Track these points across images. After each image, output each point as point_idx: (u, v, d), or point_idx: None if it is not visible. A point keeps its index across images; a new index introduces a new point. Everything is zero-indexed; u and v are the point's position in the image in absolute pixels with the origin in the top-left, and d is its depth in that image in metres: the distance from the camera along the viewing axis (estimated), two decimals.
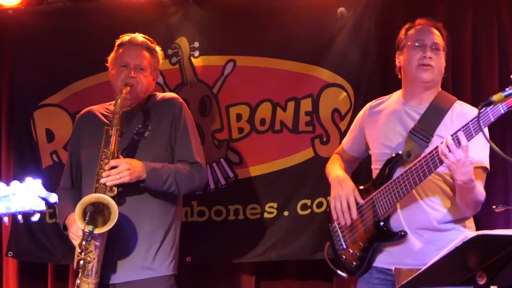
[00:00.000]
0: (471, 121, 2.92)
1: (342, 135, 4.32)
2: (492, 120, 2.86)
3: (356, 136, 3.56)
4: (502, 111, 2.85)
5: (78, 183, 3.76)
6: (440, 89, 3.38)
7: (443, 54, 3.33)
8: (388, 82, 4.27)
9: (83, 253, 3.41)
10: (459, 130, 2.94)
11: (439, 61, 3.30)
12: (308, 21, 4.48)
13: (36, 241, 4.75)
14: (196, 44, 4.64)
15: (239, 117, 4.59)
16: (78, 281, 3.48)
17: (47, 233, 4.73)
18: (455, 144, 2.91)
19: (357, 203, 3.34)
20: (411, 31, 3.38)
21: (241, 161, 4.59)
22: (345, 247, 3.42)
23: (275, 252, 4.50)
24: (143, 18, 4.62)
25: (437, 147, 3.02)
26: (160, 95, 3.81)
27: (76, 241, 3.43)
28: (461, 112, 3.28)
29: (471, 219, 3.31)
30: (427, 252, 3.17)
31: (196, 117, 4.57)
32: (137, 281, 3.56)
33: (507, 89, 2.48)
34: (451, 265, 2.51)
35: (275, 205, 4.53)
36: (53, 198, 2.40)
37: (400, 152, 3.25)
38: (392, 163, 3.26)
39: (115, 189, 3.44)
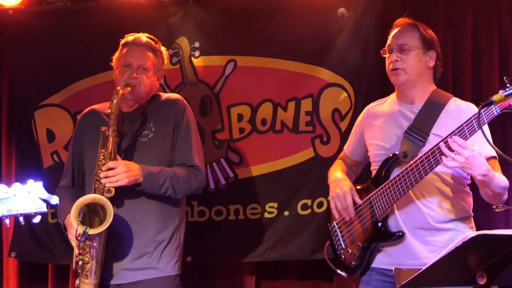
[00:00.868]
0: (465, 123, 2.92)
1: (343, 135, 4.32)
2: (486, 122, 2.86)
3: (356, 140, 3.57)
4: (495, 113, 2.85)
5: (80, 182, 3.76)
6: (435, 87, 3.37)
7: (417, 51, 3.30)
8: (388, 82, 4.24)
9: (81, 254, 3.42)
10: (453, 133, 2.94)
11: (408, 61, 3.29)
12: (308, 21, 4.49)
13: (39, 242, 4.76)
14: (197, 44, 4.65)
15: (240, 117, 4.59)
16: (77, 282, 3.49)
17: (49, 233, 4.73)
18: (457, 144, 2.92)
19: (355, 203, 3.35)
20: (389, 37, 3.39)
21: (241, 161, 4.59)
22: (344, 247, 3.43)
23: (276, 252, 4.50)
24: (143, 18, 4.61)
25: (433, 148, 3.02)
26: (164, 95, 3.80)
27: (74, 242, 3.43)
28: (456, 108, 3.28)
29: (471, 219, 3.32)
30: (426, 252, 3.18)
31: (197, 117, 4.54)
32: (143, 281, 3.56)
33: (507, 88, 2.49)
34: (451, 265, 2.51)
35: (275, 205, 4.53)
36: (55, 200, 2.41)
37: (397, 152, 3.25)
38: (388, 163, 3.27)
39: (113, 190, 3.44)
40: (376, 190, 3.28)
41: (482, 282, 2.52)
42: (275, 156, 4.55)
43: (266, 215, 4.53)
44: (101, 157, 3.49)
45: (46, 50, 4.79)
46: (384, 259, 3.31)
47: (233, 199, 4.57)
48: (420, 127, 3.25)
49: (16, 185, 2.40)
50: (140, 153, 3.60)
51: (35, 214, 2.41)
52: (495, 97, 2.46)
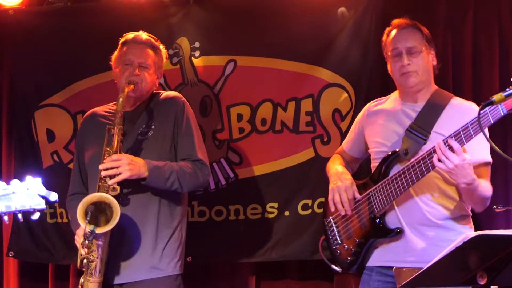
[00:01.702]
0: (470, 122, 2.92)
1: (343, 135, 4.32)
2: (492, 122, 2.86)
3: (356, 137, 3.58)
4: (502, 114, 2.85)
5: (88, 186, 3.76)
6: (436, 87, 3.38)
7: (424, 52, 3.31)
8: (388, 82, 4.24)
9: (87, 253, 3.42)
10: (455, 133, 2.95)
11: (419, 63, 3.29)
12: (308, 21, 4.49)
13: (37, 241, 4.76)
14: (197, 44, 4.65)
15: (240, 117, 4.59)
16: (82, 280, 3.49)
17: (48, 233, 4.74)
18: (448, 150, 2.92)
19: (354, 198, 3.35)
20: (388, 39, 3.38)
21: (241, 161, 4.59)
22: (340, 242, 3.43)
23: (276, 252, 4.50)
24: (144, 18, 4.62)
25: (434, 147, 3.02)
26: (163, 93, 3.80)
27: (78, 242, 3.43)
28: (458, 107, 3.29)
29: (469, 219, 3.32)
30: (424, 248, 3.18)
31: (197, 117, 4.53)
32: (144, 281, 3.56)
33: (507, 89, 2.48)
34: (451, 265, 2.51)
35: (275, 205, 4.53)
36: (53, 196, 2.40)
37: (397, 149, 3.26)
38: (388, 160, 3.28)
39: (118, 188, 3.43)
40: (375, 186, 3.28)
41: (482, 282, 2.52)
42: (275, 156, 4.55)
43: (267, 215, 4.53)
44: (106, 155, 3.49)
45: (47, 50, 4.79)
46: (382, 256, 3.31)
47: (234, 199, 4.57)
48: (422, 125, 3.26)
49: (15, 182, 2.39)
50: (139, 151, 3.60)
51: (34, 210, 2.41)
52: (495, 97, 2.46)
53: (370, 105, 3.54)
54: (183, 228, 3.72)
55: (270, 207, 4.53)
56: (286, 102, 4.54)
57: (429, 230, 3.22)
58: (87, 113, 3.87)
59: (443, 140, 2.97)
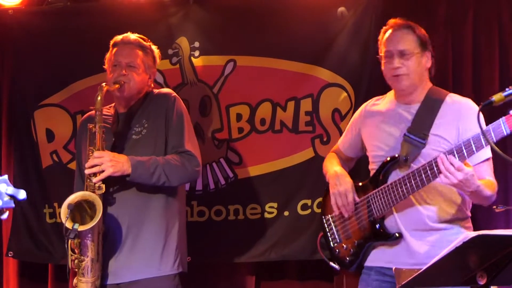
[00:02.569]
0: (472, 138, 2.91)
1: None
2: (494, 141, 2.85)
3: (352, 137, 3.56)
4: (505, 133, 2.83)
5: None
6: (431, 85, 3.36)
7: (417, 55, 3.27)
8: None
9: (75, 252, 3.44)
10: (457, 147, 2.94)
11: (410, 66, 3.26)
12: (308, 21, 4.49)
13: (36, 241, 4.76)
14: (197, 44, 4.65)
15: (239, 117, 4.59)
16: (75, 281, 3.51)
17: (47, 233, 4.74)
18: (452, 167, 2.92)
19: (354, 200, 3.35)
20: (383, 39, 3.36)
21: (241, 161, 4.59)
22: (338, 241, 3.43)
23: (275, 252, 4.50)
24: (143, 18, 4.62)
25: (436, 159, 3.01)
26: (156, 91, 3.80)
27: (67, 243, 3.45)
28: (453, 104, 3.27)
29: (469, 219, 3.31)
30: (424, 251, 3.18)
31: (196, 117, 4.57)
32: (141, 281, 3.56)
33: (507, 89, 2.48)
34: (451, 265, 2.51)
35: (275, 205, 4.53)
36: (22, 194, 2.36)
37: (397, 155, 3.24)
38: (387, 165, 3.26)
39: (103, 186, 3.45)
40: (375, 191, 3.27)
41: (482, 282, 2.52)
42: (274, 156, 4.55)
43: (266, 215, 4.53)
44: (90, 154, 3.50)
45: (46, 50, 4.79)
46: (382, 257, 3.31)
47: (233, 199, 4.57)
48: (419, 128, 3.24)
49: None
50: (134, 150, 3.60)
51: (2, 209, 2.37)
52: (494, 97, 2.45)
53: (367, 105, 3.53)
54: (181, 227, 3.72)
55: (270, 207, 4.53)
56: (285, 102, 4.54)
57: (428, 233, 3.21)
58: (83, 117, 3.89)
59: (444, 154, 2.95)
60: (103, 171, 3.43)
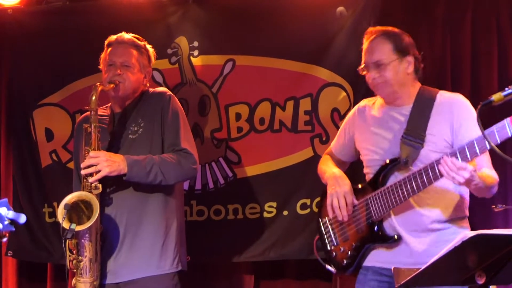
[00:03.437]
0: (475, 139, 2.91)
1: None
2: (499, 142, 2.84)
3: (345, 141, 3.56)
4: (510, 134, 2.83)
5: None
6: (420, 85, 3.35)
7: (394, 63, 3.26)
8: None
9: (73, 253, 3.45)
10: (460, 149, 2.95)
11: (387, 75, 3.26)
12: (307, 20, 4.49)
13: (36, 241, 4.76)
14: (196, 44, 4.65)
15: (238, 116, 4.59)
16: (74, 281, 3.51)
17: (47, 232, 4.74)
18: (456, 168, 2.93)
19: (352, 203, 3.35)
20: (363, 49, 3.36)
21: (240, 160, 4.59)
22: (336, 243, 3.43)
23: (275, 252, 4.50)
24: (142, 17, 4.62)
25: (439, 160, 3.01)
26: (151, 90, 3.79)
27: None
28: (445, 101, 3.27)
29: (466, 219, 3.31)
30: (423, 251, 3.18)
31: (195, 116, 4.57)
32: (140, 279, 3.57)
33: (506, 88, 2.48)
34: (450, 265, 2.51)
35: (274, 204, 4.53)
36: (22, 219, 2.39)
37: (397, 158, 3.24)
38: (387, 168, 3.26)
39: (100, 186, 3.45)
40: (374, 193, 3.27)
41: (481, 281, 2.52)
42: (274, 155, 4.55)
43: (265, 214, 4.54)
44: (86, 154, 3.51)
45: (45, 49, 4.79)
46: (379, 258, 3.31)
47: (232, 199, 4.57)
48: (415, 129, 3.24)
49: None
50: (131, 149, 3.60)
51: (2, 232, 2.39)
52: (494, 97, 2.45)
53: (360, 107, 3.52)
54: (180, 226, 3.72)
55: (269, 206, 4.53)
56: (284, 101, 4.54)
57: (426, 233, 3.22)
58: (80, 118, 3.90)
59: (448, 155, 2.96)
60: (99, 171, 3.43)
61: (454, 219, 3.25)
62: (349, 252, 3.37)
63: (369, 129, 3.39)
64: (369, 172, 3.37)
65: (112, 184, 3.57)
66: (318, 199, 4.36)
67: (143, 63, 3.73)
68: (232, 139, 4.60)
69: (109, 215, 3.57)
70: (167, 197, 3.65)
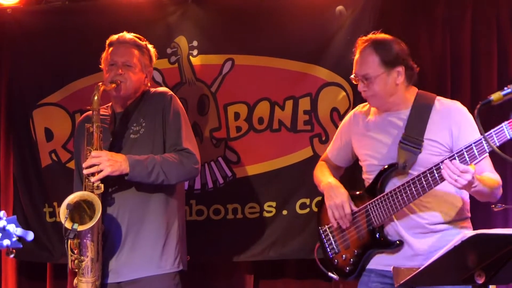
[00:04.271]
0: (474, 142, 2.92)
1: None
2: (498, 144, 2.84)
3: (342, 146, 3.56)
4: (508, 137, 2.83)
5: None
6: (417, 90, 3.35)
7: (381, 76, 3.25)
8: None
9: (75, 253, 3.44)
10: (458, 153, 2.94)
11: (375, 88, 3.26)
12: (306, 20, 4.49)
13: (37, 241, 4.74)
14: (195, 43, 4.64)
15: (237, 115, 4.59)
16: (75, 281, 3.51)
17: (47, 232, 4.74)
18: (458, 170, 2.92)
19: (351, 210, 3.34)
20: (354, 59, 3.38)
21: (239, 160, 4.59)
22: (337, 251, 3.43)
23: (274, 251, 4.50)
24: (142, 17, 4.62)
25: (437, 165, 3.01)
26: (153, 90, 3.80)
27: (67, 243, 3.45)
28: (443, 108, 3.27)
29: (468, 220, 3.31)
30: (426, 253, 3.17)
31: (195, 115, 4.57)
32: (142, 279, 3.57)
33: (505, 88, 2.48)
34: (450, 264, 2.51)
35: (273, 204, 4.53)
36: (30, 236, 2.41)
37: (395, 163, 3.24)
38: (385, 173, 3.26)
39: (102, 186, 3.46)
40: (373, 199, 3.27)
41: (480, 281, 2.52)
42: (273, 155, 4.55)
43: (265, 214, 4.54)
44: (88, 154, 3.51)
45: (45, 49, 4.78)
46: (383, 261, 3.30)
47: (232, 198, 4.57)
48: (413, 134, 3.23)
49: None
50: (133, 149, 3.61)
51: (11, 249, 2.41)
52: (493, 96, 2.46)
53: (356, 112, 3.52)
54: (181, 226, 3.73)
55: (268, 206, 4.53)
56: (283, 101, 4.54)
57: (429, 235, 3.22)
58: (81, 117, 3.90)
59: (448, 160, 2.95)
60: (101, 170, 3.44)
61: (456, 220, 3.25)
62: (351, 259, 3.37)
63: (367, 135, 3.39)
64: (368, 177, 3.37)
65: (114, 184, 3.57)
66: (317, 198, 4.38)
67: (145, 63, 3.73)
68: (231, 138, 4.60)
69: (111, 215, 3.58)
70: (168, 197, 3.65)
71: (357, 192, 3.38)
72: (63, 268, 4.80)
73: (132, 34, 3.77)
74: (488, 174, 3.17)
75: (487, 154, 2.95)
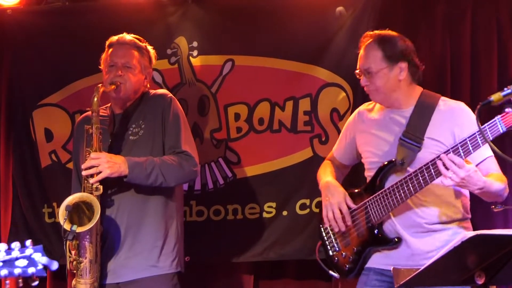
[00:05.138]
0: (468, 137, 2.92)
1: None
2: (491, 138, 2.85)
3: (346, 144, 3.56)
4: (501, 131, 2.84)
5: None
6: (422, 89, 3.35)
7: (383, 71, 3.25)
8: None
9: (74, 254, 3.45)
10: (453, 148, 2.94)
11: (377, 82, 3.27)
12: (306, 20, 4.49)
13: (36, 241, 4.71)
14: (195, 44, 4.65)
15: (237, 116, 4.59)
16: (74, 282, 3.51)
17: (47, 232, 4.74)
18: (453, 164, 2.92)
19: (349, 208, 3.34)
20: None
21: (239, 160, 4.59)
22: (337, 249, 3.43)
23: (274, 252, 4.50)
24: (142, 17, 4.62)
25: (433, 160, 3.01)
26: (152, 92, 3.80)
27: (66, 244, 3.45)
28: (447, 108, 3.27)
29: (468, 221, 3.31)
30: (422, 253, 3.17)
31: (195, 116, 4.57)
32: (140, 280, 3.57)
33: (505, 88, 2.48)
34: (450, 265, 2.51)
35: (274, 204, 4.53)
36: (54, 266, 2.43)
37: (393, 159, 3.24)
38: (384, 170, 3.26)
39: (101, 187, 3.45)
40: (372, 196, 3.27)
41: (480, 281, 2.52)
42: (273, 155, 4.55)
43: (265, 214, 4.54)
44: (87, 155, 3.51)
45: (45, 49, 4.79)
46: (382, 260, 3.31)
47: (232, 199, 4.57)
48: (414, 132, 3.23)
49: (17, 246, 2.41)
50: (132, 151, 3.61)
51: (33, 277, 2.43)
52: (493, 97, 2.45)
53: (360, 110, 3.52)
54: (180, 227, 3.72)
55: (268, 206, 4.53)
56: (284, 101, 4.54)
57: (427, 234, 3.22)
58: (80, 118, 3.89)
59: (444, 154, 2.95)
60: (100, 172, 3.43)
61: (455, 220, 3.25)
62: (351, 257, 3.37)
63: (371, 132, 3.39)
64: (369, 174, 3.37)
65: (113, 186, 3.57)
66: (317, 199, 4.38)
67: (144, 64, 3.73)
68: (231, 139, 4.60)
69: (109, 216, 3.58)
70: (167, 199, 3.65)
71: (356, 190, 3.38)
72: (63, 269, 4.79)
73: (132, 35, 3.77)
74: (493, 174, 3.16)
75: (481, 147, 2.93)
